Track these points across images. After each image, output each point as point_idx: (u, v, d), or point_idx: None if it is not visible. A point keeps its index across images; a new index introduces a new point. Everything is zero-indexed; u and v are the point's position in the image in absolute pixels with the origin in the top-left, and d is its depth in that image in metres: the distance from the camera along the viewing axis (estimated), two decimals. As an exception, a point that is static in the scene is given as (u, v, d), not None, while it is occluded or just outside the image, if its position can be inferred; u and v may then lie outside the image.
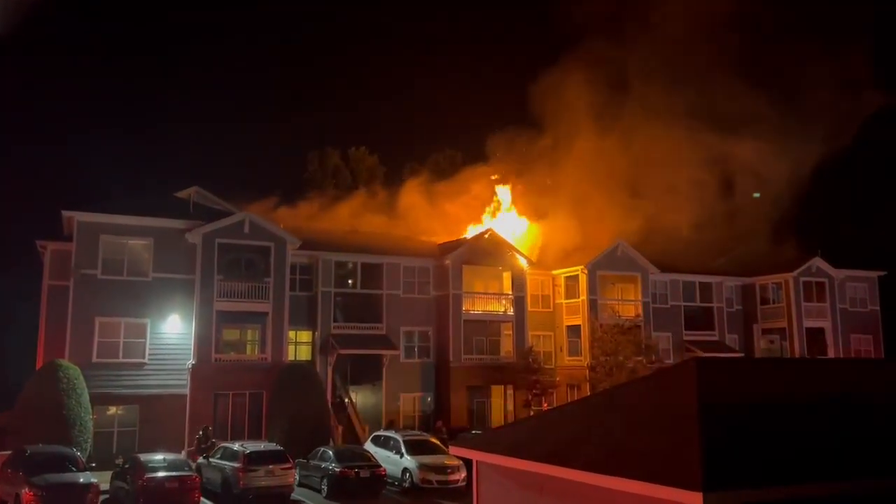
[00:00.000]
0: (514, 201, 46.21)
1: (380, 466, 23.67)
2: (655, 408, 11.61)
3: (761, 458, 9.62)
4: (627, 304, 40.39)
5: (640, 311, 39.91)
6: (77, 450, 22.65)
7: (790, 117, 46.52)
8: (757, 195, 45.14)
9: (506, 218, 44.83)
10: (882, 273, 46.38)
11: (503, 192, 46.10)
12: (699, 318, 42.92)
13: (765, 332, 44.44)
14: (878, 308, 46.20)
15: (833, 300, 44.06)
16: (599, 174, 43.64)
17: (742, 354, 41.98)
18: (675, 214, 46.62)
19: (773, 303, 44.04)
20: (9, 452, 21.96)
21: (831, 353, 42.56)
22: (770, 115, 45.87)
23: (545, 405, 35.09)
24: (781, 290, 43.71)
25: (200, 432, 27.08)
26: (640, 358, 35.73)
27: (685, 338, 41.89)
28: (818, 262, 43.82)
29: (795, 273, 43.15)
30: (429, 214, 47.09)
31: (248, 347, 33.29)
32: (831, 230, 52.25)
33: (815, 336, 43.32)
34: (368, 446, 26.67)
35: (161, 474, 20.13)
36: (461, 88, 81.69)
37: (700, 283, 43.31)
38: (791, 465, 9.60)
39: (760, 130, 47.73)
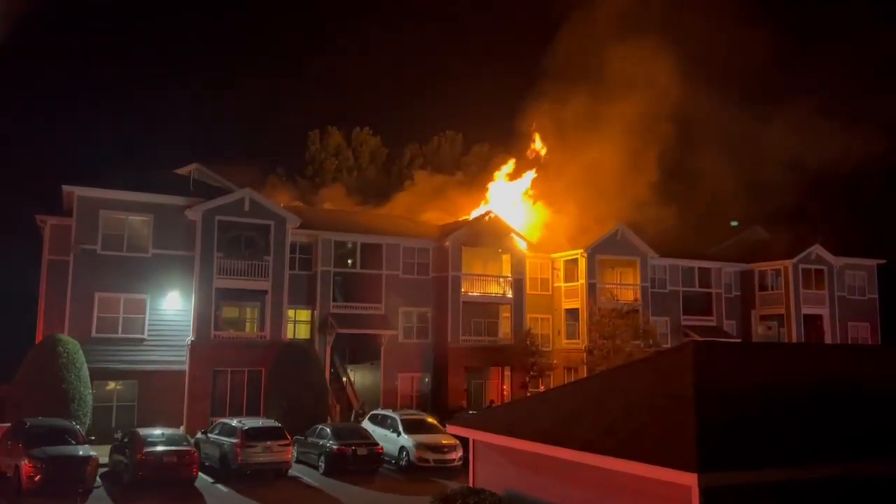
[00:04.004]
0: (516, 183, 46.09)
1: (377, 444, 23.83)
2: (652, 390, 11.68)
3: (756, 441, 9.69)
4: (626, 288, 40.45)
5: (639, 295, 40.00)
6: (76, 423, 22.77)
7: (811, 106, 46.22)
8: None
9: (506, 200, 44.69)
10: (881, 261, 46.42)
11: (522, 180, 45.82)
12: (697, 304, 43.03)
13: (763, 318, 44.55)
14: (876, 296, 46.28)
15: (832, 287, 44.13)
16: (601, 158, 43.44)
17: (739, 340, 42.12)
18: (677, 199, 46.56)
19: (772, 289, 44.12)
20: (8, 425, 22.09)
21: (828, 341, 42.69)
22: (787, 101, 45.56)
23: (542, 387, 35.25)
24: (780, 277, 43.77)
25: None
26: (637, 342, 35.82)
27: (683, 323, 42.02)
28: (818, 250, 43.85)
29: (794, 260, 43.18)
30: (432, 197, 47.13)
31: (248, 325, 33.38)
32: (832, 218, 52.20)
33: (813, 323, 43.45)
34: (366, 424, 26.82)
35: (159, 448, 20.26)
36: (464, 69, 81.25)
37: (699, 268, 43.37)
38: (785, 448, 9.67)
39: (774, 115, 47.47)
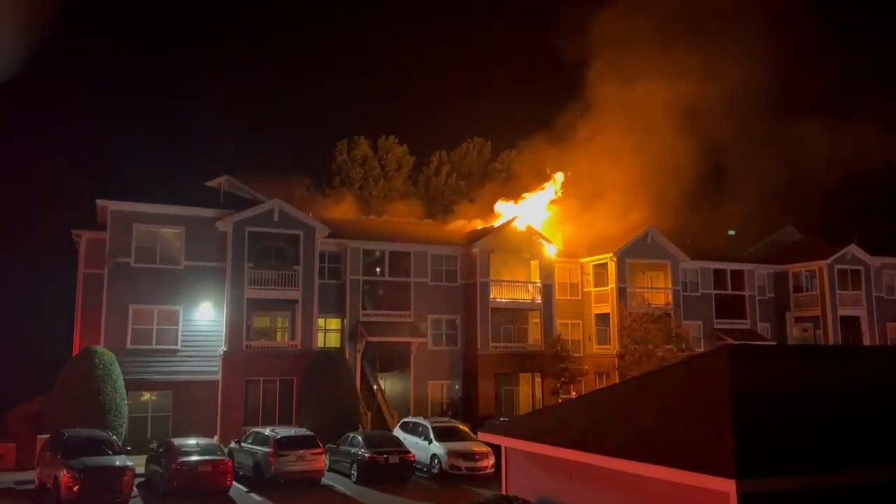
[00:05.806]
0: (544, 188, 45.87)
1: (409, 452, 23.83)
2: (687, 395, 11.51)
3: (794, 446, 9.49)
4: (657, 291, 40.02)
5: (670, 298, 39.52)
6: (113, 434, 23.13)
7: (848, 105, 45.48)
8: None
9: (534, 205, 44.48)
10: (920, 261, 45.33)
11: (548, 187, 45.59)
12: (730, 307, 42.29)
13: (798, 320, 43.73)
14: (915, 296, 45.21)
15: (869, 288, 43.20)
16: (631, 160, 43.02)
17: (775, 343, 41.36)
18: (708, 201, 45.98)
19: (807, 291, 43.31)
20: (47, 436, 22.51)
21: (866, 342, 41.77)
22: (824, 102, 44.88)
23: (573, 393, 34.99)
24: (815, 278, 42.96)
25: None
26: (669, 346, 35.39)
27: (716, 326, 41.38)
28: (853, 250, 42.96)
29: (829, 260, 42.33)
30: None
31: (279, 334, 33.65)
32: (867, 216, 51.13)
33: (850, 324, 42.54)
34: (397, 432, 26.86)
35: (194, 458, 20.51)
36: (492, 75, 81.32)
37: (731, 270, 42.69)
38: (824, 454, 9.46)
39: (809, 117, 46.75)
